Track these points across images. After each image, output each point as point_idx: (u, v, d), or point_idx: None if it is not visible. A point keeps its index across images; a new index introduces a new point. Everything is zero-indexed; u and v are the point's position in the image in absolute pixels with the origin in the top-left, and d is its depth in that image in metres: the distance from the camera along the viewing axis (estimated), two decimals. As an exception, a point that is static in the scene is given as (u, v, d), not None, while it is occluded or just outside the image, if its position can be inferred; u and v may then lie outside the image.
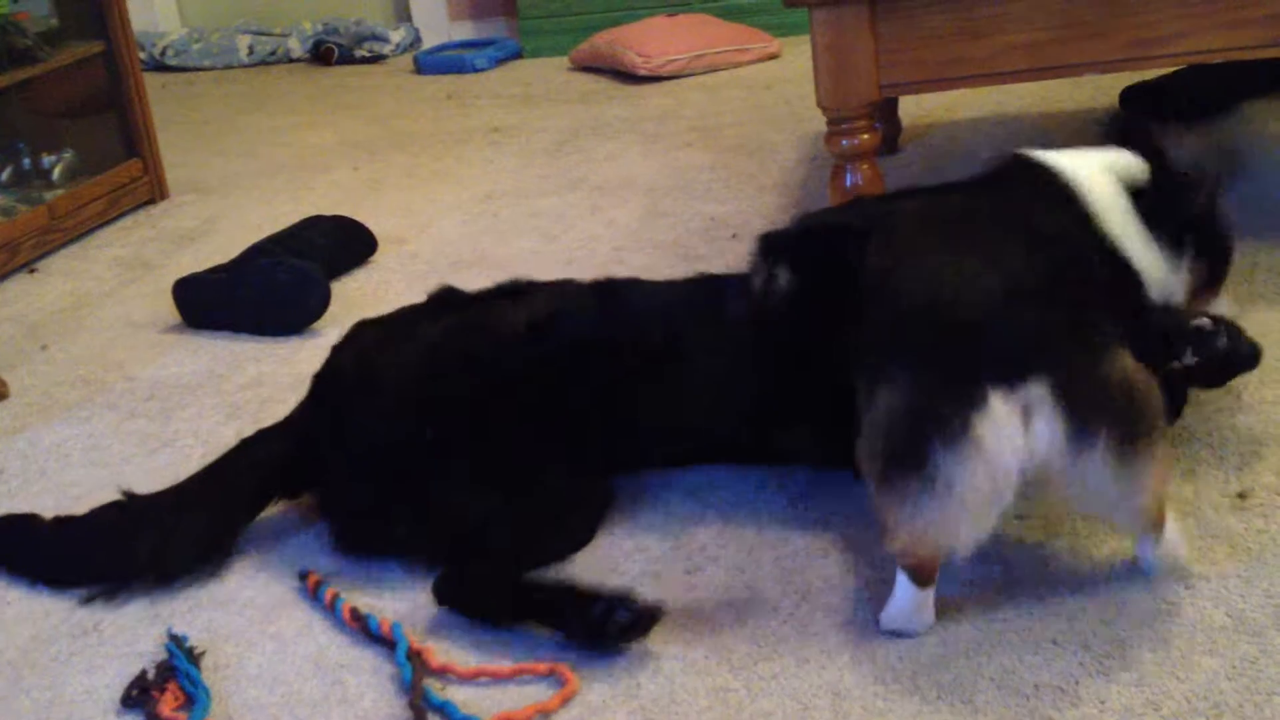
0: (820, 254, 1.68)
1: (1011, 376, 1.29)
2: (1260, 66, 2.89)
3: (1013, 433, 1.29)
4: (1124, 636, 1.38)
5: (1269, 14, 1.95)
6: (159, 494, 1.74)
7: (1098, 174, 1.62)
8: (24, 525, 1.76)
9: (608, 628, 1.41)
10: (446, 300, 1.87)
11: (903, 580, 1.41)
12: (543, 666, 1.41)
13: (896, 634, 1.42)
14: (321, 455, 1.69)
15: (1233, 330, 1.72)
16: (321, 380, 1.80)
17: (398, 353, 1.74)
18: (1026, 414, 1.29)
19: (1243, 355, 1.71)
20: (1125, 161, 1.65)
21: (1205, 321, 1.60)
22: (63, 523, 1.74)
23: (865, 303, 1.47)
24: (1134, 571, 1.47)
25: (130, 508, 1.72)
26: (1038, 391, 1.29)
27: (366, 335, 1.82)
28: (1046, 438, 1.29)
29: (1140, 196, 1.62)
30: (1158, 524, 1.41)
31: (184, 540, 1.66)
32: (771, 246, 1.71)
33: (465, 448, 1.63)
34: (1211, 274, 1.70)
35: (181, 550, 1.66)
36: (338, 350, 1.81)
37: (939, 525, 1.32)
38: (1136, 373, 1.35)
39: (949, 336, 1.35)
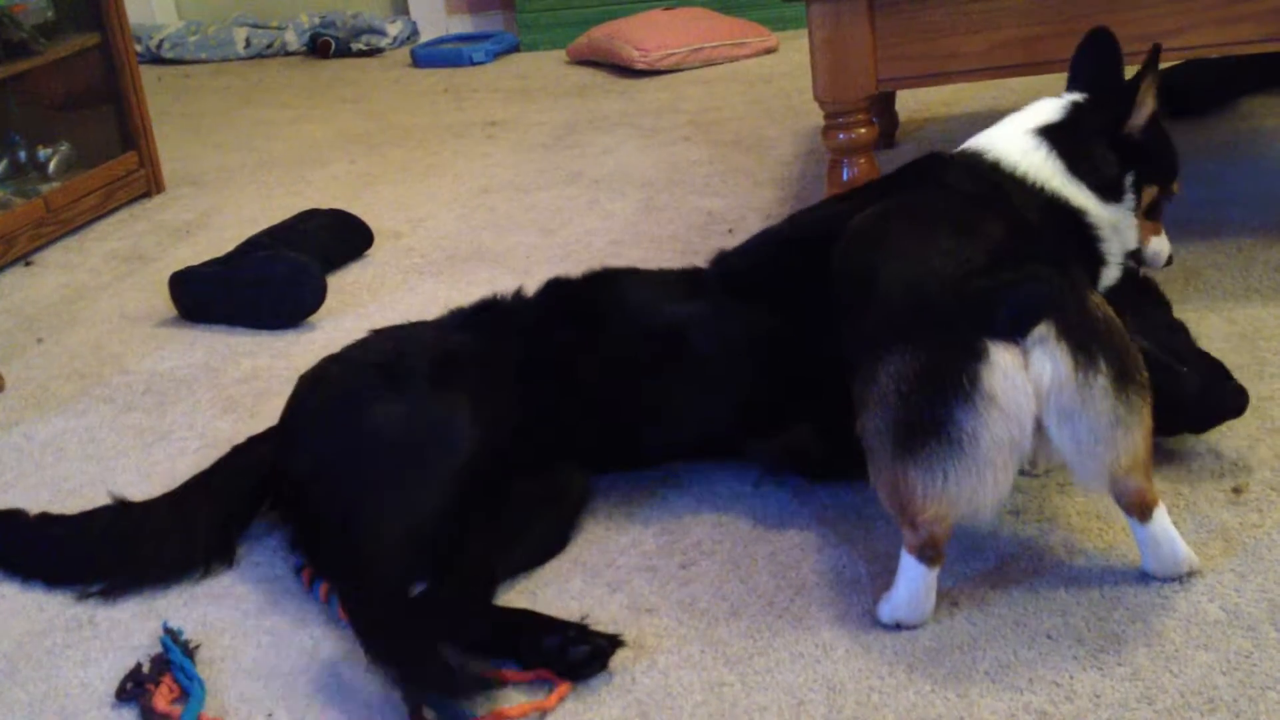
0: (776, 271, 1.73)
1: (1012, 328, 1.33)
2: (1256, 62, 2.89)
3: (1018, 376, 1.33)
4: (1118, 631, 1.38)
5: (1265, 9, 1.95)
6: (155, 500, 1.73)
7: (1013, 138, 1.69)
8: (13, 521, 1.76)
9: (567, 659, 1.39)
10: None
11: (909, 565, 1.40)
12: (528, 675, 1.41)
13: (898, 625, 1.42)
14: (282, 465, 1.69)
15: (1216, 369, 1.69)
16: (298, 386, 1.78)
17: (358, 358, 1.74)
18: (1026, 355, 1.33)
19: (1228, 403, 1.66)
20: (1044, 111, 1.71)
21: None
22: (53, 521, 1.73)
23: (848, 300, 1.51)
24: (1128, 565, 1.47)
25: (127, 511, 1.70)
26: (1038, 332, 1.33)
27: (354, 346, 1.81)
28: (1050, 373, 1.33)
29: (1060, 139, 1.67)
30: (1149, 497, 1.40)
31: (181, 545, 1.65)
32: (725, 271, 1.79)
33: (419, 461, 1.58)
34: (1159, 191, 1.72)
35: (179, 554, 1.65)
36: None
37: (966, 485, 1.34)
38: (1110, 313, 1.41)
39: (942, 305, 1.38)
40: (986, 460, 1.33)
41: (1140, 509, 1.41)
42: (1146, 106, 1.66)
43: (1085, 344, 1.34)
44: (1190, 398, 1.60)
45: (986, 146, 1.70)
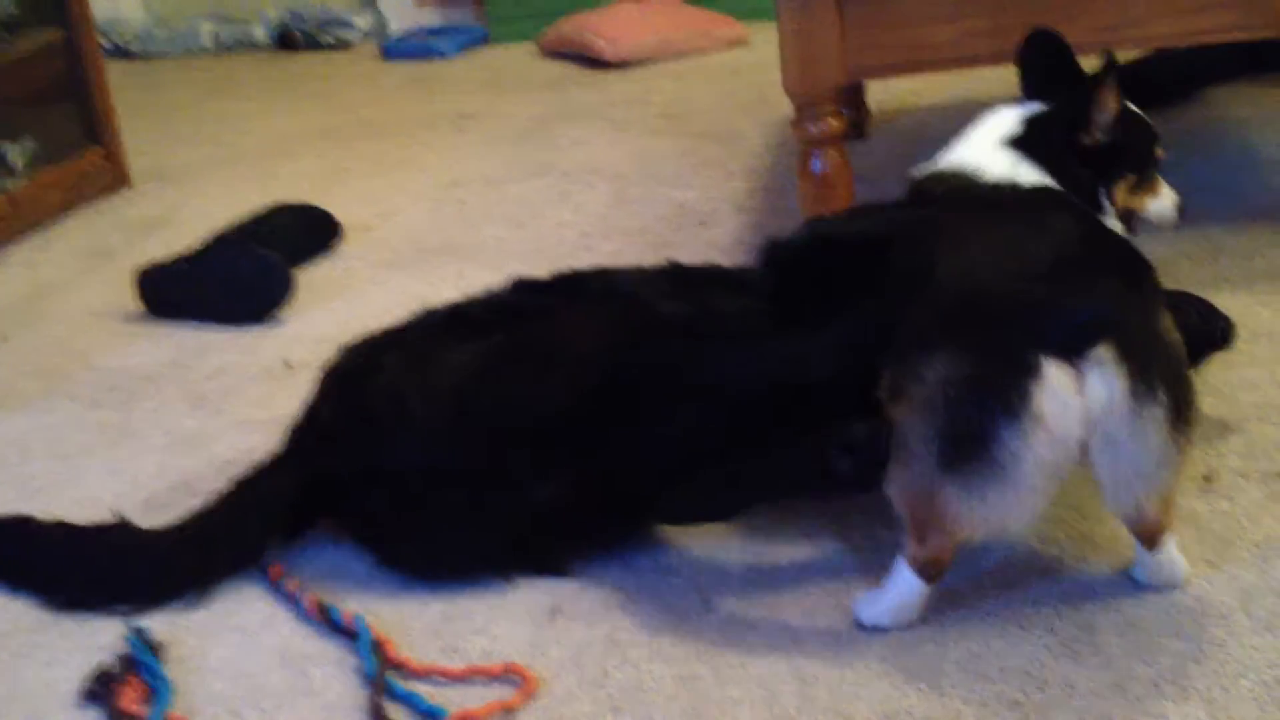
0: (832, 262, 1.62)
1: (1070, 345, 1.27)
2: (1221, 52, 2.90)
3: (1071, 399, 1.26)
4: (1090, 620, 1.38)
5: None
6: (162, 531, 1.65)
7: (993, 155, 1.62)
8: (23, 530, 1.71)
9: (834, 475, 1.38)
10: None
11: (905, 578, 1.38)
12: (496, 667, 1.40)
13: (876, 628, 1.40)
14: (351, 481, 1.62)
15: (1203, 306, 1.72)
16: (339, 403, 1.68)
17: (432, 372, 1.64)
18: (1083, 380, 1.27)
19: (1214, 333, 1.69)
20: (1005, 124, 1.66)
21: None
22: (60, 530, 1.68)
23: (902, 300, 1.42)
24: (1100, 555, 1.47)
25: (132, 538, 1.65)
26: (1100, 354, 1.26)
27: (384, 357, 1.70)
28: (1105, 400, 1.26)
29: (1034, 152, 1.62)
30: (1165, 528, 1.38)
31: (182, 583, 1.60)
32: (778, 255, 1.69)
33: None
34: (1140, 176, 1.69)
35: (179, 590, 1.60)
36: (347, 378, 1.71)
37: (1002, 508, 1.29)
38: (1176, 337, 1.34)
39: (1000, 310, 1.32)
40: (1027, 484, 1.27)
41: (1152, 538, 1.38)
42: (1107, 113, 1.61)
43: (1145, 372, 1.27)
44: (1190, 328, 1.55)
45: (972, 165, 1.62)
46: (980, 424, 1.27)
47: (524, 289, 1.77)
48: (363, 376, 1.67)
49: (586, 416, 1.56)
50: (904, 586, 1.38)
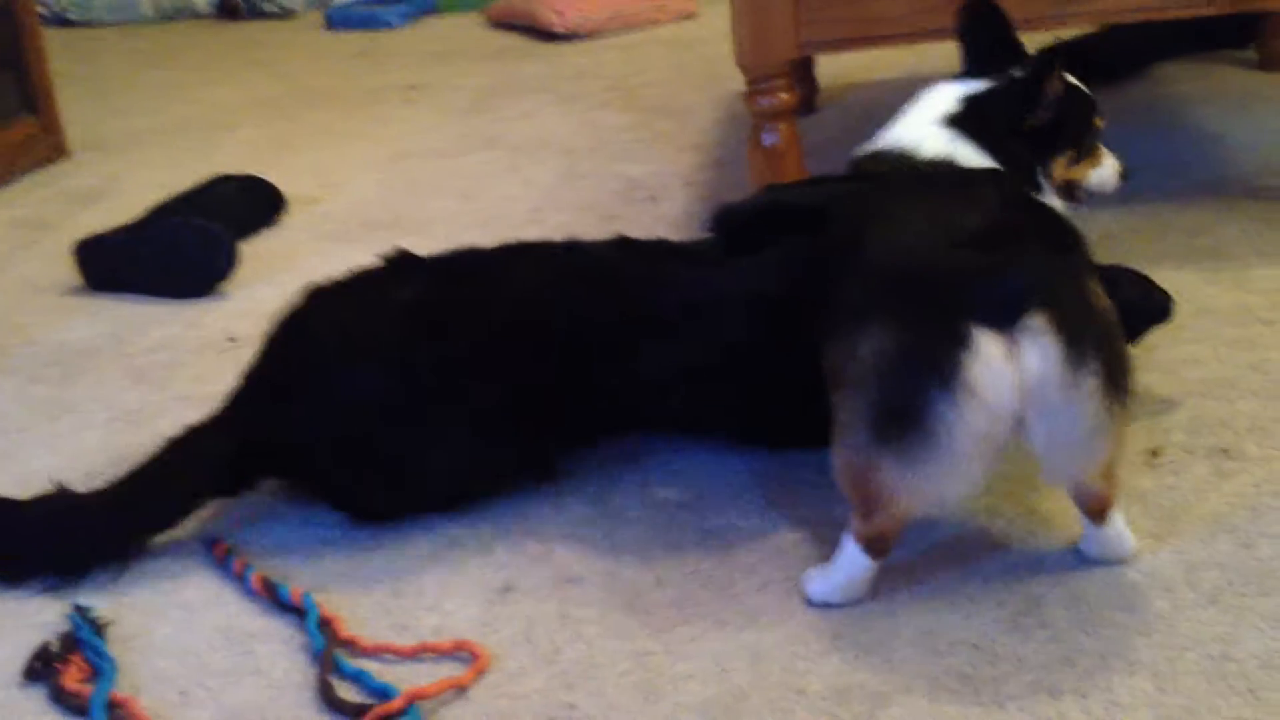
0: (775, 227, 1.65)
1: (1002, 314, 1.26)
2: (1170, 27, 2.92)
3: (1005, 370, 1.25)
4: (1039, 594, 1.39)
5: (1180, -26, 1.97)
6: (93, 494, 1.63)
7: (931, 133, 1.62)
8: None
9: None
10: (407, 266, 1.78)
11: (852, 554, 1.38)
12: (447, 644, 1.39)
13: (826, 605, 1.40)
14: (293, 439, 1.62)
15: (1142, 282, 1.74)
16: (281, 356, 1.69)
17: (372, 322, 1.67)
18: (1016, 349, 1.26)
19: (1153, 308, 1.72)
20: (943, 102, 1.65)
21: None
22: None
23: (836, 268, 1.43)
24: (1049, 529, 1.48)
25: (64, 502, 1.62)
26: (1033, 323, 1.25)
27: (324, 313, 1.72)
28: (1039, 369, 1.25)
29: (973, 130, 1.62)
30: (1109, 501, 1.39)
31: (111, 543, 1.58)
32: (726, 220, 1.71)
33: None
34: (1079, 149, 1.69)
35: (108, 553, 1.57)
36: (294, 329, 1.71)
37: (938, 480, 1.29)
38: (1108, 305, 1.34)
39: (930, 279, 1.31)
40: (962, 455, 1.27)
41: (1098, 512, 1.39)
42: (1051, 96, 1.60)
43: (1078, 339, 1.26)
44: (1129, 303, 1.56)
45: (910, 144, 1.62)
46: (913, 396, 1.26)
47: (468, 252, 1.78)
48: (301, 321, 1.69)
49: (533, 348, 1.63)
50: (850, 563, 1.38)
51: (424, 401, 1.60)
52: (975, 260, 1.31)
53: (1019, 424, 1.28)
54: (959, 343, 1.25)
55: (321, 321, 1.69)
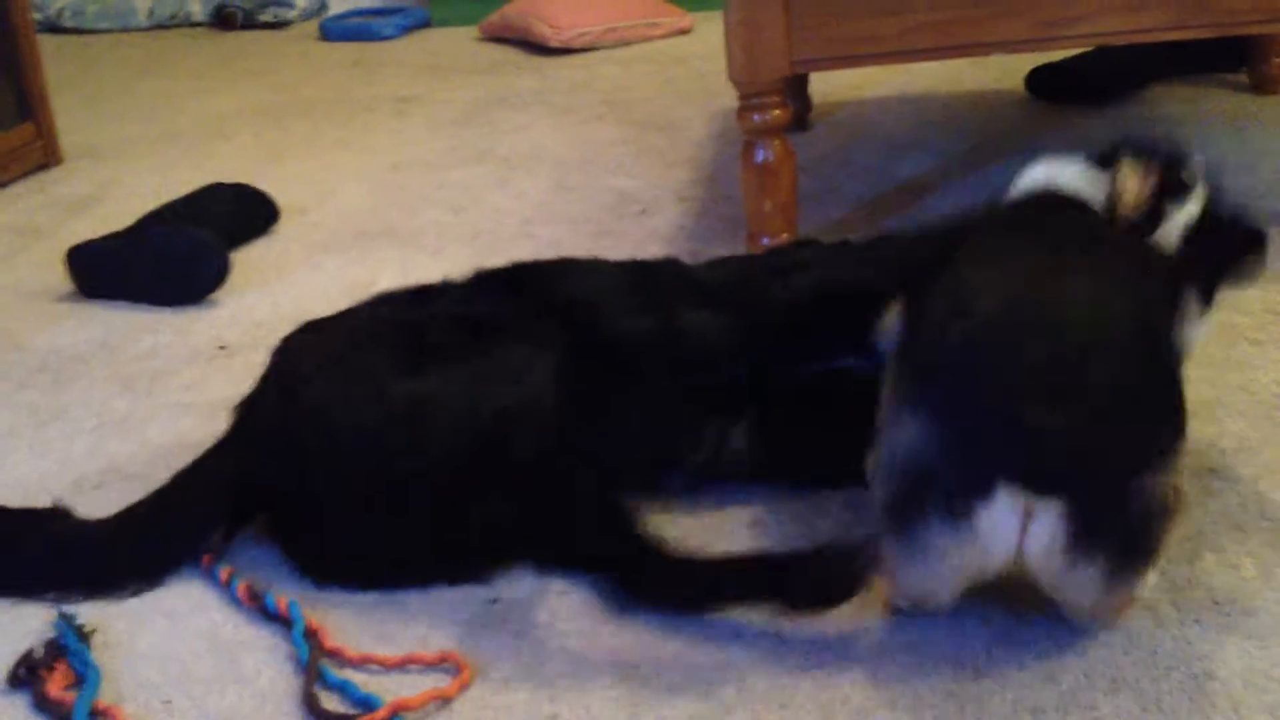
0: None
1: (1030, 480, 1.22)
2: (1165, 50, 2.94)
3: (1011, 530, 1.23)
4: (1023, 611, 1.39)
5: (1170, -3, 1.98)
6: (102, 521, 1.60)
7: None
8: None
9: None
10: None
11: None
12: (433, 656, 1.38)
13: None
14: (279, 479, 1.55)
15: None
16: (274, 406, 1.60)
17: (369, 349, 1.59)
18: (1029, 516, 1.23)
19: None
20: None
21: None
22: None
23: (922, 317, 1.35)
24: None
25: (69, 527, 1.61)
26: (1050, 504, 1.22)
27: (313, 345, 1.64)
28: (1043, 545, 1.23)
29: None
30: (1116, 619, 1.37)
31: (119, 574, 1.55)
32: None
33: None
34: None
35: (115, 583, 1.55)
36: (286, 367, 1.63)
37: (920, 583, 1.33)
38: (1165, 496, 1.26)
39: (990, 405, 1.24)
40: (945, 579, 1.30)
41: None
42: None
43: (1092, 533, 1.22)
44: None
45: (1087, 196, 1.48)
46: (920, 506, 1.26)
47: (483, 286, 1.72)
48: (298, 384, 1.58)
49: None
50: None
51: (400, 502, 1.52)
52: (1034, 409, 1.22)
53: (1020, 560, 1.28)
54: (979, 491, 1.23)
55: (311, 392, 1.58)
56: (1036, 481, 1.22)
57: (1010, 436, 1.23)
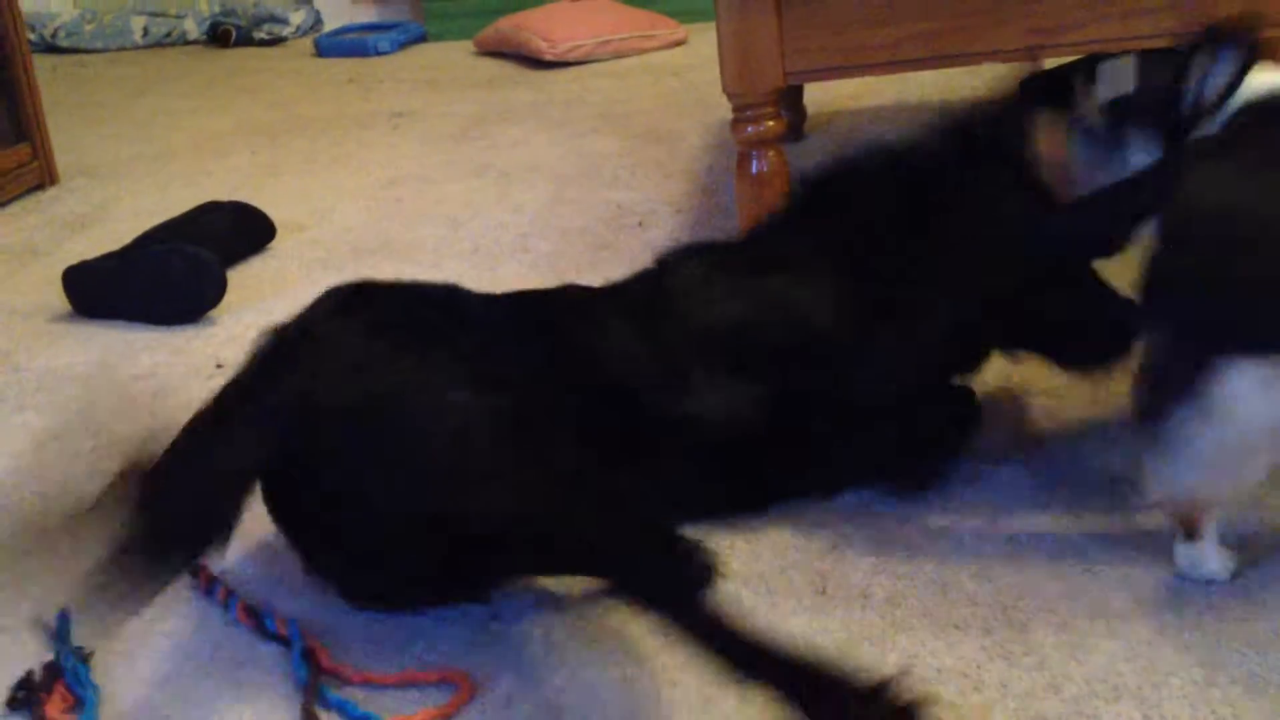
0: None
1: (1264, 345, 1.24)
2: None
3: (1258, 399, 1.24)
4: (1025, 620, 1.39)
5: (1164, 4, 1.98)
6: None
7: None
8: None
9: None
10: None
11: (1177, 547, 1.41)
12: (432, 674, 1.38)
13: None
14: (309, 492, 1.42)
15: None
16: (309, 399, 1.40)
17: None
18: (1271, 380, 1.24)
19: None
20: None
21: None
22: None
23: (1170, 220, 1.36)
24: (1036, 555, 1.49)
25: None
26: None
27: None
28: None
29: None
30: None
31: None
32: None
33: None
34: None
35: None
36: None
37: (1185, 481, 1.32)
38: None
39: (1219, 288, 1.27)
40: (1206, 464, 1.29)
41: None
42: None
43: None
44: (1136, 332, 1.54)
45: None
46: (1161, 400, 1.28)
47: (520, 311, 1.63)
48: (345, 383, 1.40)
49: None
50: (1181, 544, 1.41)
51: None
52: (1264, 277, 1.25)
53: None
54: (1208, 369, 1.25)
55: (351, 394, 1.41)
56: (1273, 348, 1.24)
57: (1249, 307, 1.25)
